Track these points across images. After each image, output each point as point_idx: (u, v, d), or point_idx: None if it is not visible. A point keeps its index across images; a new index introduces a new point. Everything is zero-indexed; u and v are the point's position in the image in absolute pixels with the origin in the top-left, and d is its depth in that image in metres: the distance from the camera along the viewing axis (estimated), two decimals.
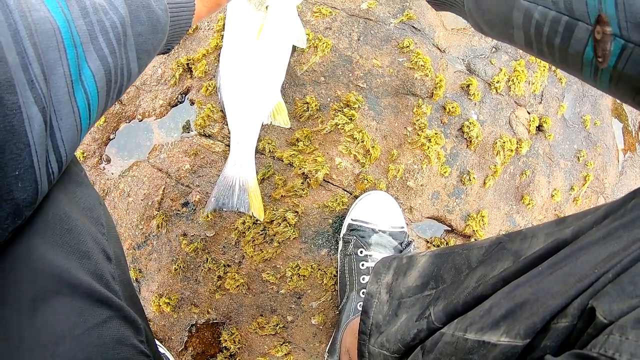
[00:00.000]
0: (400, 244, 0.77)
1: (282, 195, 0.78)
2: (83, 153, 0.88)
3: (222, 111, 0.80)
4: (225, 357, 0.81)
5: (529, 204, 0.92)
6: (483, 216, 0.87)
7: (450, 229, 0.87)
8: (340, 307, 0.78)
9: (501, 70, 0.88)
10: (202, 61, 0.83)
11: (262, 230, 0.79)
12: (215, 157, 0.81)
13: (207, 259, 0.81)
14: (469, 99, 0.84)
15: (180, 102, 0.86)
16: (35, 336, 0.31)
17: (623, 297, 0.27)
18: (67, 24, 0.34)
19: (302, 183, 0.78)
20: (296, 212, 0.78)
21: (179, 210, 0.83)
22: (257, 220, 0.78)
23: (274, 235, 0.79)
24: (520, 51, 0.92)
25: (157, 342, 0.82)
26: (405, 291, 0.54)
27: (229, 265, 0.80)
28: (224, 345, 0.81)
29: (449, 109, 0.82)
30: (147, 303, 0.83)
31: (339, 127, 0.78)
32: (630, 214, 0.32)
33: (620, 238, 0.31)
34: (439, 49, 0.84)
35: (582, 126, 1.03)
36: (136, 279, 0.84)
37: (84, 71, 0.35)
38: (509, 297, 0.35)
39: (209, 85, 0.82)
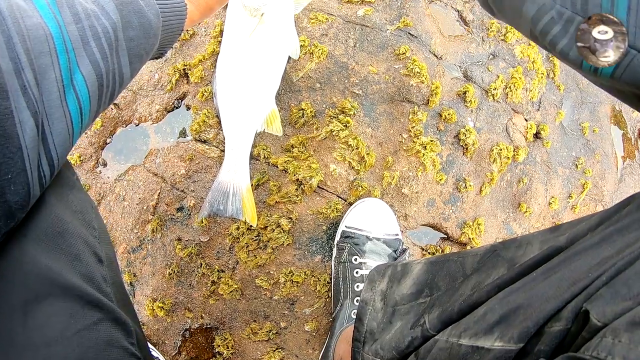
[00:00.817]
0: (395, 251, 0.76)
1: (276, 201, 0.78)
2: (80, 157, 0.88)
3: (218, 117, 0.79)
4: None
5: (526, 211, 0.91)
6: (479, 224, 0.86)
7: (446, 236, 0.86)
8: (334, 314, 0.77)
9: (498, 77, 0.87)
10: (198, 67, 0.83)
11: (256, 236, 0.78)
12: (211, 163, 0.81)
13: (201, 264, 0.80)
14: (466, 106, 0.84)
15: (177, 107, 0.85)
16: (27, 338, 0.31)
17: (616, 299, 0.27)
18: (60, 30, 0.35)
19: (297, 189, 0.78)
20: (290, 218, 0.78)
21: (173, 215, 0.82)
22: (251, 226, 0.78)
23: (268, 241, 0.78)
24: (518, 58, 0.91)
25: (151, 346, 0.82)
26: (400, 299, 0.54)
27: (222, 271, 0.80)
28: (217, 350, 0.81)
29: (445, 116, 0.81)
30: (141, 307, 0.83)
31: (334, 133, 0.77)
32: (624, 219, 0.32)
33: (614, 242, 0.31)
34: (436, 56, 0.84)
35: (580, 133, 1.02)
36: (130, 283, 0.84)
37: (76, 76, 0.36)
38: (502, 302, 0.35)
39: (205, 91, 0.81)
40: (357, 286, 0.75)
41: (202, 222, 0.79)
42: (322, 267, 0.79)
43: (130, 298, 0.84)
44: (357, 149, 0.77)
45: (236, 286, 0.79)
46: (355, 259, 0.75)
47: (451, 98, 0.83)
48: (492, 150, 0.86)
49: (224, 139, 0.80)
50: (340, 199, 0.79)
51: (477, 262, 0.46)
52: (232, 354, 0.81)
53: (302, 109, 0.78)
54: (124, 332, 0.38)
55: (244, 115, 0.75)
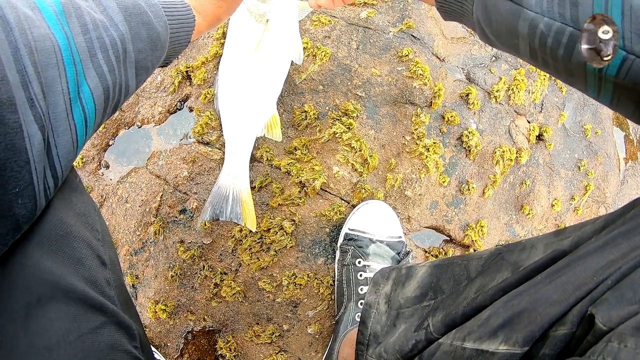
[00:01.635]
0: (398, 253, 0.76)
1: (279, 204, 0.78)
2: (82, 159, 0.88)
3: (219, 120, 0.79)
4: None
5: (528, 213, 0.91)
6: (482, 226, 0.86)
7: (449, 238, 0.86)
8: (338, 317, 0.77)
9: (501, 79, 0.87)
10: (201, 69, 0.82)
11: (259, 239, 0.78)
12: (213, 165, 0.81)
13: (204, 266, 0.80)
14: (468, 108, 0.83)
15: (179, 109, 0.85)
16: (30, 342, 0.31)
17: (622, 303, 0.27)
18: (67, 41, 0.34)
19: (300, 191, 0.77)
20: (293, 220, 0.77)
21: (176, 217, 0.82)
22: (251, 230, 0.77)
23: (271, 244, 0.78)
24: (520, 60, 0.91)
25: (153, 349, 0.82)
26: (404, 302, 0.54)
27: (225, 273, 0.80)
28: (219, 352, 0.80)
29: (448, 118, 0.81)
30: (143, 309, 0.82)
31: (337, 135, 0.77)
32: (629, 222, 0.32)
33: (620, 246, 0.31)
34: (438, 58, 0.83)
35: (583, 135, 1.02)
36: (133, 285, 0.84)
37: (83, 89, 0.35)
38: (507, 306, 0.35)
39: (208, 93, 0.81)
40: (361, 289, 0.74)
41: (204, 224, 0.79)
42: (325, 269, 0.79)
43: (133, 300, 0.84)
44: (360, 151, 0.77)
45: (239, 288, 0.79)
46: (359, 262, 0.74)
47: (454, 100, 0.83)
48: (495, 152, 0.86)
49: (225, 142, 0.80)
50: (343, 201, 0.79)
51: (482, 265, 0.46)
52: (234, 356, 0.80)
53: (305, 111, 0.78)
54: (128, 335, 0.38)
55: (245, 120, 0.75)
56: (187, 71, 0.84)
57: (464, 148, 0.83)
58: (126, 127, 0.89)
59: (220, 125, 0.80)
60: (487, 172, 0.86)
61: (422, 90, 0.80)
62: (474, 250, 0.86)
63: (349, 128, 0.77)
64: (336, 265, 0.78)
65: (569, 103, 1.00)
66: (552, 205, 0.95)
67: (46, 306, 0.32)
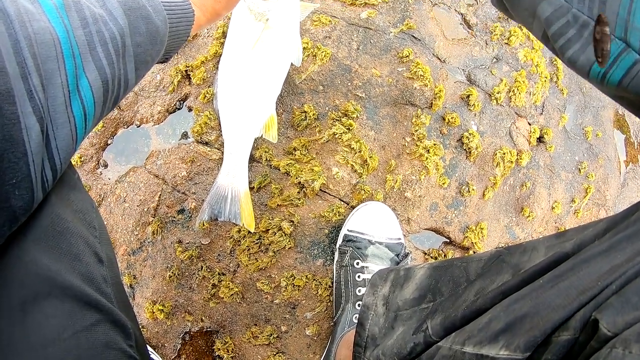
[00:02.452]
0: (397, 255, 0.75)
1: (278, 204, 0.77)
2: (80, 157, 0.87)
3: (218, 120, 0.79)
4: None
5: (529, 216, 0.91)
6: (482, 228, 0.86)
7: (448, 240, 0.86)
8: (336, 318, 0.76)
9: (502, 80, 0.87)
10: (200, 68, 0.82)
11: (257, 239, 0.78)
12: (212, 165, 0.80)
13: (202, 266, 0.79)
14: (469, 109, 0.83)
15: (179, 109, 0.85)
16: (25, 339, 0.31)
17: (627, 308, 0.26)
18: (67, 35, 0.34)
19: (299, 192, 0.77)
20: (292, 221, 0.77)
21: (174, 217, 0.82)
22: (250, 230, 0.77)
23: (269, 245, 0.77)
24: (522, 61, 0.91)
25: (150, 349, 0.81)
26: (402, 304, 0.53)
27: (223, 274, 0.79)
28: (217, 354, 0.80)
29: (448, 119, 0.81)
30: (140, 309, 0.82)
31: (336, 136, 0.76)
32: (633, 226, 0.32)
33: (624, 250, 0.30)
34: (439, 59, 0.83)
35: (583, 138, 1.01)
36: (130, 285, 0.83)
37: (82, 81, 0.35)
38: (508, 310, 0.34)
39: (207, 93, 0.81)
40: (359, 290, 0.74)
41: (203, 224, 0.79)
42: (324, 270, 0.78)
43: (130, 300, 0.84)
44: (359, 152, 0.77)
45: (237, 289, 0.78)
46: (357, 263, 0.74)
47: (454, 101, 0.82)
48: (496, 154, 0.85)
49: (224, 142, 0.79)
50: (342, 203, 0.78)
51: (481, 267, 0.45)
52: (232, 357, 0.80)
53: (305, 112, 0.77)
54: (123, 334, 0.38)
55: (244, 120, 0.75)
56: (186, 70, 0.84)
57: (465, 150, 0.83)
58: (125, 127, 0.88)
59: (219, 125, 0.79)
60: (488, 174, 0.86)
61: (422, 91, 0.79)
62: (474, 253, 0.85)
63: (348, 129, 0.77)
64: (335, 266, 0.77)
65: (570, 105, 1.00)
66: (553, 208, 0.95)
67: (42, 302, 0.32)
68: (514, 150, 0.87)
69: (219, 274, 0.79)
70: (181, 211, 0.82)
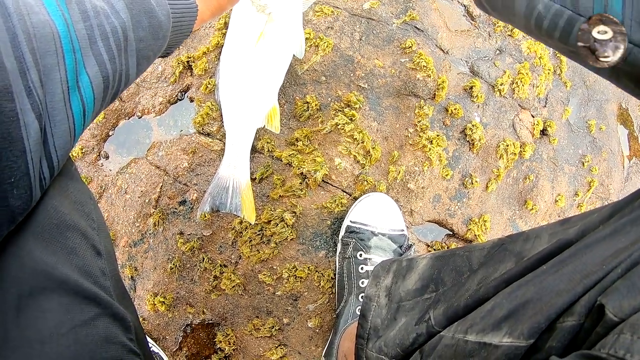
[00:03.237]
0: (400, 247, 0.75)
1: (280, 195, 0.77)
2: (82, 149, 0.87)
3: (220, 111, 0.79)
4: (220, 359, 0.79)
5: (532, 209, 0.90)
6: (485, 221, 0.85)
7: (451, 233, 0.85)
8: (338, 310, 0.76)
9: (505, 72, 0.86)
10: (202, 59, 0.82)
11: (259, 231, 0.77)
12: (214, 156, 0.80)
13: (204, 258, 0.79)
14: (472, 101, 0.83)
15: (180, 100, 0.85)
16: (21, 335, 0.30)
17: (634, 292, 0.25)
18: (67, 28, 0.34)
19: (301, 183, 0.77)
20: (294, 212, 0.77)
21: (176, 208, 0.81)
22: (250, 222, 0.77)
23: (271, 236, 0.77)
24: (525, 53, 0.90)
25: (151, 342, 0.81)
26: (405, 294, 0.53)
27: (225, 266, 0.79)
28: (218, 346, 0.80)
29: (451, 110, 0.80)
30: (141, 301, 0.82)
31: (339, 127, 0.76)
32: (638, 210, 0.31)
33: (629, 233, 0.30)
34: (442, 50, 0.83)
35: (587, 131, 1.01)
36: (132, 277, 0.83)
37: (82, 77, 0.35)
38: (511, 297, 0.34)
39: (209, 83, 0.81)
40: (362, 282, 0.74)
41: (204, 215, 0.78)
42: (326, 262, 0.78)
43: (131, 292, 0.83)
44: (362, 142, 0.76)
45: (238, 281, 0.78)
46: (360, 255, 0.74)
47: (457, 93, 0.82)
48: (499, 146, 0.85)
49: (226, 133, 0.79)
50: (345, 194, 0.78)
51: (484, 256, 0.45)
52: (233, 350, 0.80)
53: (307, 102, 0.77)
54: (123, 327, 0.37)
55: (246, 111, 0.75)
56: (188, 61, 0.83)
57: (468, 141, 0.82)
58: (126, 118, 0.88)
59: (221, 116, 0.79)
60: (491, 166, 0.85)
61: (425, 82, 0.79)
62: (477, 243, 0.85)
63: (351, 119, 0.76)
64: (337, 258, 0.77)
65: (573, 98, 1.00)
66: (556, 201, 0.94)
67: (38, 297, 0.32)
68: (517, 143, 0.87)
69: (220, 265, 0.79)
70: (182, 202, 0.81)
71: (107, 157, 0.87)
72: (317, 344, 0.78)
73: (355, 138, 0.76)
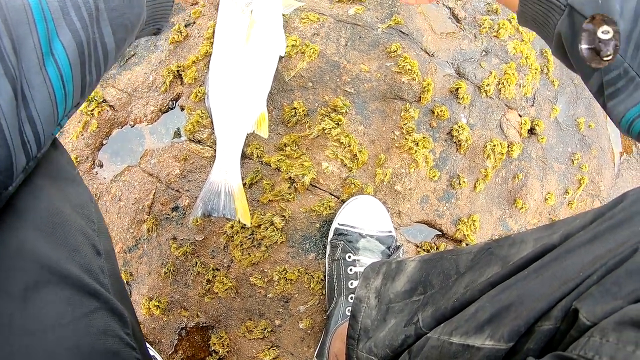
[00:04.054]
0: (388, 248, 0.77)
1: (269, 200, 0.79)
2: (76, 158, 0.89)
3: (210, 117, 0.81)
4: None
5: (522, 207, 0.92)
6: (474, 220, 0.87)
7: (440, 233, 0.87)
8: (329, 312, 0.78)
9: (491, 73, 0.88)
10: (191, 68, 0.84)
11: (250, 235, 0.80)
12: (205, 162, 0.82)
13: (197, 262, 0.81)
14: (458, 102, 0.84)
15: (171, 108, 0.87)
16: (25, 324, 0.32)
17: (607, 298, 0.27)
18: (39, 2, 0.36)
19: (289, 187, 0.79)
20: (283, 216, 0.79)
21: (169, 214, 0.84)
22: (245, 225, 0.79)
23: (262, 240, 0.79)
24: (511, 54, 0.92)
25: (148, 345, 0.83)
26: (394, 296, 0.55)
27: (217, 269, 0.81)
28: (213, 348, 0.82)
29: (437, 112, 0.82)
30: (137, 306, 0.84)
31: (326, 131, 0.78)
32: (617, 216, 0.33)
33: (607, 241, 0.31)
34: (428, 53, 0.84)
35: (576, 129, 1.02)
36: (127, 282, 0.86)
37: (55, 44, 0.37)
38: (494, 300, 0.35)
39: (199, 92, 0.83)
40: (351, 283, 0.75)
41: (197, 221, 0.80)
42: (316, 264, 0.80)
43: (127, 292, 0.86)
44: (349, 146, 0.78)
45: (231, 284, 0.80)
46: (349, 256, 0.76)
47: (443, 95, 0.84)
48: (486, 146, 0.87)
49: (216, 139, 0.81)
50: (333, 197, 0.80)
51: (471, 260, 0.46)
52: (227, 352, 0.82)
53: (295, 108, 0.79)
54: (120, 322, 0.39)
55: (236, 117, 0.77)
56: (178, 70, 0.86)
57: (454, 142, 0.84)
58: (119, 127, 0.91)
59: (212, 123, 0.81)
60: (479, 166, 0.87)
61: (410, 85, 0.81)
62: (466, 245, 0.87)
63: (338, 124, 0.78)
64: (326, 260, 0.79)
65: (562, 97, 1.01)
66: (546, 199, 0.96)
67: (43, 290, 0.34)
68: (505, 142, 0.89)
69: (213, 269, 0.81)
70: (175, 208, 0.84)
71: (101, 166, 0.90)
72: (309, 344, 0.80)
73: (342, 142, 0.78)
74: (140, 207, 0.85)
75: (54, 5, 0.37)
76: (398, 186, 0.80)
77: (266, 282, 0.79)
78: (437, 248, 0.86)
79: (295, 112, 0.79)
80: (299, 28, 0.82)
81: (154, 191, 0.85)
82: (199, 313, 0.82)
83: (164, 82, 0.86)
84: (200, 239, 0.82)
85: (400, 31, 0.83)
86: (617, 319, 0.25)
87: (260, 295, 0.80)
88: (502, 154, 0.88)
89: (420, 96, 0.81)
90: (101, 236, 0.43)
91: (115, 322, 0.39)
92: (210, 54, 0.83)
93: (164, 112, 0.88)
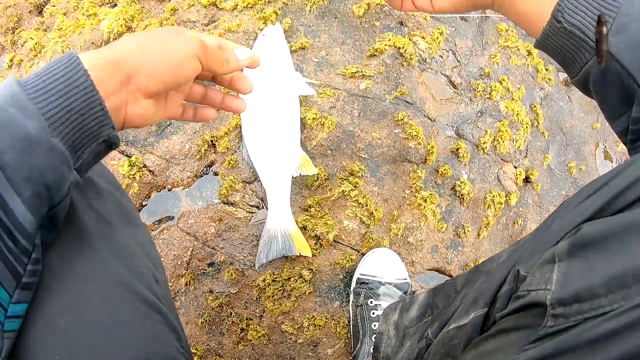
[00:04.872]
0: (405, 293, 0.89)
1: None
2: None
3: (255, 176, 0.94)
4: None
5: None
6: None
7: (450, 278, 0.99)
8: (354, 352, 0.89)
9: (487, 131, 1.02)
10: (224, 138, 0.98)
11: (280, 287, 0.92)
12: (238, 223, 0.95)
13: (231, 313, 0.93)
14: (459, 160, 0.98)
15: (205, 174, 1.01)
16: (104, 322, 0.44)
17: (535, 254, 0.40)
18: None
19: (315, 243, 0.91)
20: (311, 269, 0.91)
21: (205, 269, 0.96)
22: (276, 278, 0.91)
23: (292, 291, 0.91)
24: (504, 112, 1.06)
25: None
26: (409, 323, 0.69)
27: (251, 319, 0.93)
28: None
29: (441, 171, 0.96)
30: None
31: (345, 193, 0.92)
32: (550, 218, 0.47)
33: (550, 227, 0.44)
34: (430, 119, 0.99)
35: (568, 173, 1.16)
36: None
37: None
38: (475, 289, 0.50)
39: (232, 159, 0.97)
40: (374, 325, 0.87)
41: (231, 275, 0.93)
42: (341, 311, 0.92)
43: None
44: (366, 206, 0.92)
45: (263, 332, 0.92)
46: (371, 302, 0.88)
47: (446, 155, 0.98)
48: (486, 197, 1.00)
49: (250, 200, 0.95)
50: (354, 250, 0.93)
51: (465, 279, 0.61)
52: None
53: (317, 174, 0.93)
54: (176, 336, 0.52)
55: (278, 164, 0.91)
56: (212, 140, 1.00)
57: (458, 196, 0.97)
58: (158, 190, 1.04)
59: (244, 187, 0.95)
60: (481, 216, 1.00)
61: (417, 149, 0.95)
62: None
63: (355, 186, 0.92)
64: (350, 306, 0.91)
65: (552, 145, 1.15)
66: None
67: (124, 303, 0.46)
68: (503, 193, 1.02)
69: (246, 319, 0.93)
70: (211, 264, 0.96)
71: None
72: None
73: (360, 202, 0.92)
74: (179, 263, 0.98)
75: None
76: (410, 238, 0.93)
77: (296, 329, 0.91)
78: None
79: (318, 177, 0.93)
80: (317, 102, 0.97)
81: (191, 248, 0.97)
82: (233, 359, 0.93)
83: (199, 151, 1.00)
84: (235, 291, 0.94)
85: (405, 101, 0.98)
86: (538, 262, 0.38)
87: (291, 341, 0.92)
88: (501, 203, 1.01)
89: (426, 158, 0.95)
90: (158, 269, 0.57)
91: (173, 337, 0.51)
92: (240, 126, 0.97)
93: (199, 177, 1.01)
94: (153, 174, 1.04)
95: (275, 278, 0.91)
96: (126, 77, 0.42)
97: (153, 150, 1.04)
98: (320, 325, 0.91)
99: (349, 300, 0.92)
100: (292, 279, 0.91)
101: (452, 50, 1.05)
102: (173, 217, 1.02)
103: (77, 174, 0.42)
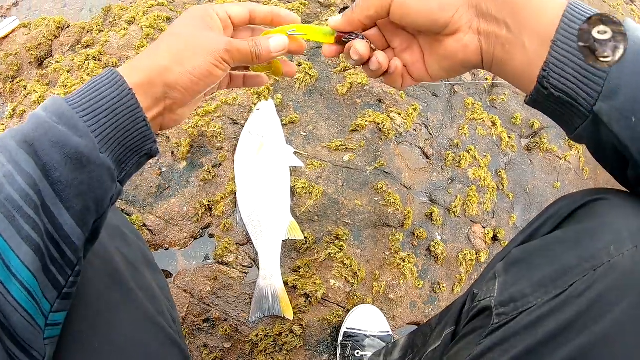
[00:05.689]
0: (388, 344, 1.02)
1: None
2: None
3: (248, 238, 1.08)
4: None
5: None
6: None
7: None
8: None
9: (457, 197, 1.19)
10: (220, 203, 1.12)
11: (272, 341, 1.03)
12: (232, 282, 1.07)
13: None
14: (433, 223, 1.14)
15: (202, 236, 1.13)
16: (134, 350, 0.55)
17: (485, 277, 0.54)
18: None
19: (305, 301, 1.04)
20: (301, 325, 1.03)
21: (200, 325, 1.07)
22: (268, 333, 1.02)
23: (283, 345, 1.03)
24: (472, 178, 1.24)
25: None
26: None
27: None
28: None
29: (417, 234, 1.11)
30: None
31: (331, 255, 1.05)
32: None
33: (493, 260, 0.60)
34: (406, 187, 1.15)
35: None
36: None
37: (13, 263, 0.35)
38: (446, 316, 0.65)
39: (227, 223, 1.10)
40: None
41: (225, 330, 1.03)
42: None
43: None
44: (350, 266, 1.05)
45: None
46: (358, 352, 1.00)
47: (421, 219, 1.14)
48: (459, 256, 1.15)
49: (243, 260, 1.07)
50: (340, 307, 1.05)
51: (438, 317, 0.75)
52: None
53: (306, 237, 1.07)
54: None
55: (269, 230, 1.04)
56: (208, 204, 1.13)
57: (433, 256, 1.12)
58: (155, 249, 1.16)
59: (238, 248, 1.07)
60: (454, 273, 1.15)
61: (395, 214, 1.10)
62: None
63: (340, 249, 1.06)
64: (338, 358, 1.02)
65: (517, 205, 1.33)
66: None
67: (151, 332, 0.57)
68: (473, 251, 1.17)
69: None
70: (206, 320, 1.07)
71: None
72: None
73: (345, 263, 1.05)
74: None
75: None
76: (391, 295, 1.07)
77: None
78: None
79: (306, 241, 1.06)
80: (306, 173, 1.12)
81: (187, 305, 1.08)
82: None
83: (196, 214, 1.13)
84: (228, 346, 1.05)
85: (384, 171, 1.14)
86: (486, 278, 0.53)
87: None
88: (472, 260, 1.16)
89: (403, 222, 1.10)
90: (174, 311, 0.70)
91: None
92: (235, 192, 1.11)
93: (195, 239, 1.14)
94: (152, 233, 1.16)
95: (268, 333, 1.03)
96: (161, 94, 0.45)
97: (152, 210, 1.16)
98: None
99: (336, 353, 1.04)
100: (283, 334, 1.03)
101: (424, 124, 1.23)
102: (171, 275, 1.13)
103: (120, 185, 0.45)
